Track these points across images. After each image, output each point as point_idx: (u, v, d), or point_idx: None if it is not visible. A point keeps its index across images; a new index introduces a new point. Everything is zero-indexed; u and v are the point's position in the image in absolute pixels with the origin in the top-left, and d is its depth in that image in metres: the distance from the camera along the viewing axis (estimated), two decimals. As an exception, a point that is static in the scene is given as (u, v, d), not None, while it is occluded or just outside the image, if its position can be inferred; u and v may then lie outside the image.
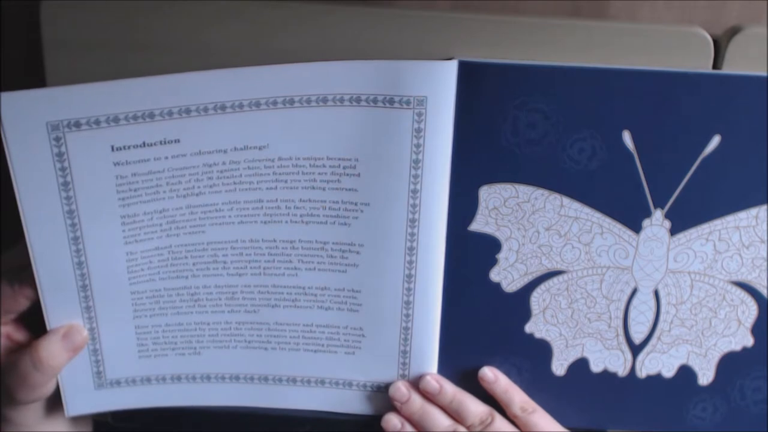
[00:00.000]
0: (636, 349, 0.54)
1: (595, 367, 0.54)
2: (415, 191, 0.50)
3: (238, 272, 0.52)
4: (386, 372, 0.54)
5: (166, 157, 0.48)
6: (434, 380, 0.54)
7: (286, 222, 0.51)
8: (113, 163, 0.47)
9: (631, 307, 0.53)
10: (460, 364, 0.54)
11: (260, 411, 0.56)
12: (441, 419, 0.53)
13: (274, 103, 0.47)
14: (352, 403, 0.56)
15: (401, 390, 0.54)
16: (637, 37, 0.47)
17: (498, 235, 0.51)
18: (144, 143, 0.47)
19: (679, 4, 0.56)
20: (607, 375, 0.55)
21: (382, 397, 0.55)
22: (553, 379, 0.55)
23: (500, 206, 0.50)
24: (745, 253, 0.51)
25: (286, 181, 0.50)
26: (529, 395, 0.54)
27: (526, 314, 0.53)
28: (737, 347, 0.54)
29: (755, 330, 0.53)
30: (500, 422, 0.53)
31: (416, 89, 0.47)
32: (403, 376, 0.54)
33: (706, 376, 0.55)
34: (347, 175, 0.49)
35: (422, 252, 0.51)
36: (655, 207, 0.50)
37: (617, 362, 0.54)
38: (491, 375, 0.54)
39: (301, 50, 0.47)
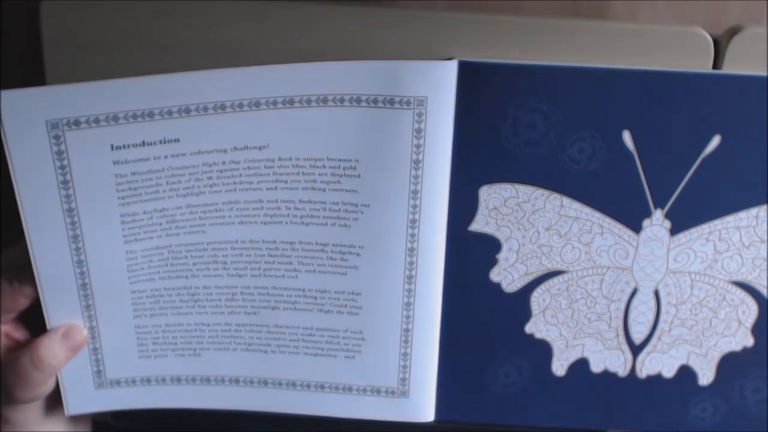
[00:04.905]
0: (636, 350, 0.54)
1: (596, 368, 0.54)
2: (415, 192, 0.49)
3: (238, 273, 0.52)
4: (386, 374, 0.54)
5: (166, 157, 0.48)
6: None
7: (286, 223, 0.51)
8: (113, 161, 0.47)
9: (632, 307, 0.53)
10: (461, 365, 0.54)
11: (259, 411, 0.56)
12: None
13: (274, 103, 0.47)
14: (351, 408, 0.55)
15: None
16: (637, 37, 0.47)
17: (498, 235, 0.51)
18: (144, 142, 0.47)
19: (679, 4, 0.56)
20: (607, 375, 0.54)
21: (381, 400, 0.55)
22: (553, 380, 0.54)
23: (500, 206, 0.50)
24: (745, 253, 0.51)
25: (286, 182, 0.50)
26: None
27: (526, 314, 0.53)
28: (737, 347, 0.54)
29: (755, 330, 0.53)
30: None
31: (416, 89, 0.47)
32: (403, 379, 0.54)
33: (706, 376, 0.55)
34: (347, 176, 0.49)
35: (423, 253, 0.51)
36: (655, 207, 0.50)
37: (617, 362, 0.54)
38: None
39: (301, 50, 0.47)
